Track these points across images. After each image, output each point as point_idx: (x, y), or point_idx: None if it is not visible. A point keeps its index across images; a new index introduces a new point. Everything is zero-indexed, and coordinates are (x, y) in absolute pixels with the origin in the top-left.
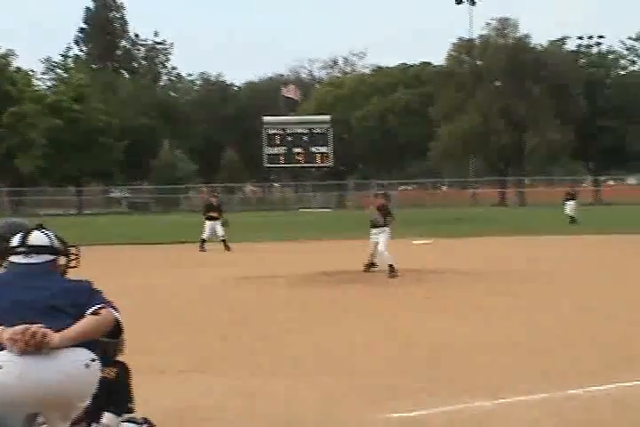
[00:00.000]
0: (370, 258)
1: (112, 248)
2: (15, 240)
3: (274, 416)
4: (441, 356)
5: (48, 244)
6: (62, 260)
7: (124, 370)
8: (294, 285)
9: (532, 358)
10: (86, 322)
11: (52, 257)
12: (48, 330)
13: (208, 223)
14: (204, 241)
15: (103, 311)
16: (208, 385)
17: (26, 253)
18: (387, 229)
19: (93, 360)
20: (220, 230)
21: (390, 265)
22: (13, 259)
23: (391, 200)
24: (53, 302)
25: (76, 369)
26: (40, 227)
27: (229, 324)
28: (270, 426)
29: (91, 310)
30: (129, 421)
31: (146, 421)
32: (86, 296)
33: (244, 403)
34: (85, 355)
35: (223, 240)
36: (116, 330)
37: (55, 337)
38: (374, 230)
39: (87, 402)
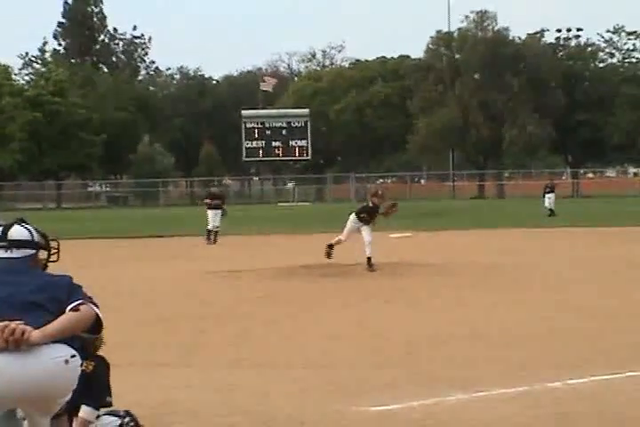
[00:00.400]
0: (335, 241)
1: (91, 242)
2: None
3: (252, 410)
4: (417, 349)
5: (29, 238)
6: (43, 254)
7: (102, 363)
8: (271, 278)
9: (509, 351)
10: (66, 318)
11: (32, 251)
12: (27, 327)
13: (211, 213)
14: (209, 232)
15: (83, 308)
16: (186, 379)
17: (6, 248)
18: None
19: (73, 356)
20: (217, 221)
21: (369, 258)
22: None
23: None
24: (33, 297)
25: (55, 365)
26: (20, 221)
27: (206, 318)
28: (248, 420)
29: (70, 306)
30: (110, 414)
31: (128, 413)
32: (66, 292)
33: (222, 397)
34: (65, 351)
35: (216, 232)
36: (96, 326)
37: (35, 334)
38: (356, 220)
39: (67, 398)
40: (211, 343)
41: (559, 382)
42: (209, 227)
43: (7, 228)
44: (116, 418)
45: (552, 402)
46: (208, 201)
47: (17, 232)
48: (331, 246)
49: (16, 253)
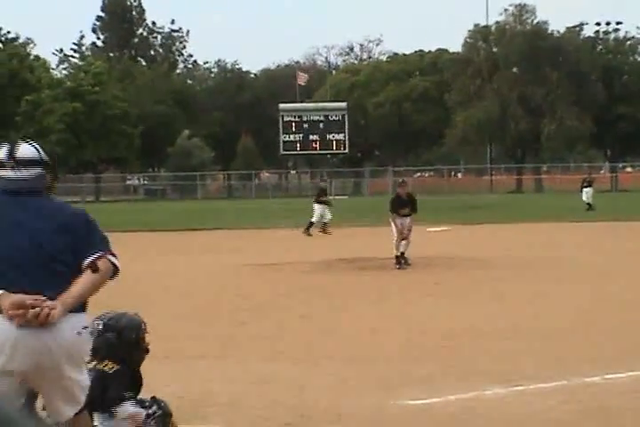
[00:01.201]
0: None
1: (129, 235)
2: (2, 153)
3: (289, 403)
4: (454, 342)
5: (37, 157)
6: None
7: (126, 374)
8: (309, 271)
9: (547, 344)
10: (85, 283)
11: (42, 171)
12: (51, 305)
13: (318, 207)
14: (311, 224)
15: (101, 265)
16: (223, 371)
17: (14, 167)
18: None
19: (85, 328)
20: (328, 214)
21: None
22: (1, 173)
23: (406, 187)
24: (51, 248)
25: (68, 337)
26: (27, 139)
27: (245, 310)
28: (285, 412)
29: (88, 261)
30: (135, 403)
31: (155, 401)
32: (85, 235)
33: (260, 389)
34: (78, 322)
35: (325, 223)
36: (113, 275)
37: (57, 312)
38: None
39: (78, 374)
40: (248, 336)
41: (597, 377)
42: (313, 219)
43: (14, 146)
44: (142, 409)
45: (589, 397)
46: (323, 199)
47: (25, 150)
48: (398, 257)
49: (25, 173)
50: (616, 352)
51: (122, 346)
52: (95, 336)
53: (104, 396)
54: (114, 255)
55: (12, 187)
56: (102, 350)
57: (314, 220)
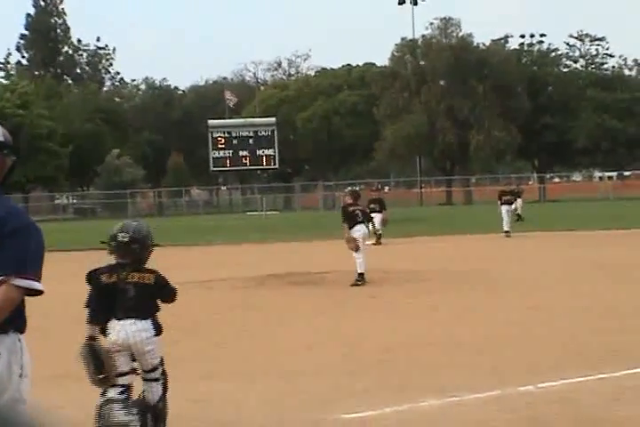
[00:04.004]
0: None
1: (59, 255)
2: None
3: (226, 420)
4: (389, 356)
5: None
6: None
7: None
8: (243, 287)
9: (481, 356)
10: None
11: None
12: None
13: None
14: (375, 233)
15: (0, 291)
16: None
17: None
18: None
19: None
20: (377, 224)
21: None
22: None
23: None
24: None
25: None
26: None
27: (178, 329)
28: None
29: None
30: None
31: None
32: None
33: (196, 408)
34: None
35: (380, 235)
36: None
37: None
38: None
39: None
40: (182, 354)
41: (531, 386)
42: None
43: None
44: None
45: (525, 406)
46: (372, 206)
47: None
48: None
49: None
50: (548, 361)
51: (143, 253)
52: (120, 247)
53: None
54: (29, 278)
55: None
56: (135, 259)
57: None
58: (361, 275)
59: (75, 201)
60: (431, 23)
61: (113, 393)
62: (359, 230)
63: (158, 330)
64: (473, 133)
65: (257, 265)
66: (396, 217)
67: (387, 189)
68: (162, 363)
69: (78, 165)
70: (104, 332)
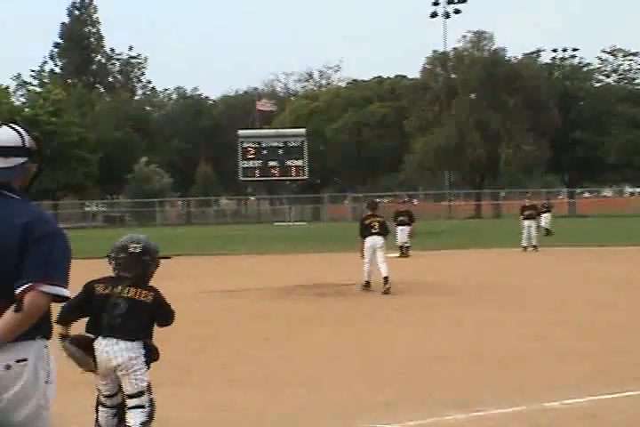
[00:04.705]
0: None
1: (88, 262)
2: None
3: None
4: (414, 368)
5: (19, 143)
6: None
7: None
8: (268, 298)
9: (506, 370)
10: (4, 324)
11: (22, 160)
12: None
13: (398, 228)
14: (401, 247)
15: (27, 299)
16: (181, 399)
17: None
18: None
19: (21, 360)
20: (405, 237)
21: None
22: None
23: (374, 209)
24: None
25: None
26: (9, 121)
27: (202, 338)
28: None
29: (16, 293)
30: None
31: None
32: (15, 256)
33: (218, 416)
34: (13, 353)
35: (407, 247)
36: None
37: None
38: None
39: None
40: (206, 363)
41: (556, 402)
42: (398, 243)
43: None
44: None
45: (549, 422)
46: (401, 218)
47: (5, 137)
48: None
49: (3, 163)
50: (573, 378)
51: (152, 267)
52: (131, 259)
53: (149, 325)
54: (56, 284)
55: None
56: (141, 272)
57: (399, 243)
58: (367, 282)
59: (104, 209)
60: (464, 36)
61: (103, 418)
62: (369, 242)
63: (151, 355)
64: (502, 147)
65: (283, 275)
66: (423, 230)
67: (415, 201)
68: (150, 390)
69: (108, 172)
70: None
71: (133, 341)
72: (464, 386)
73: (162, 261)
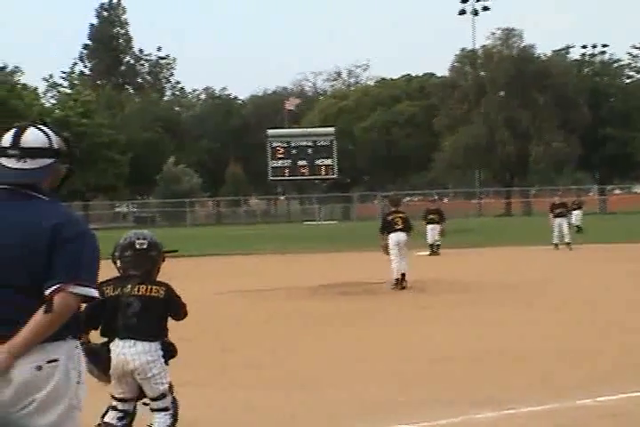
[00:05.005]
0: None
1: None
2: (6, 139)
3: None
4: (442, 368)
5: (46, 144)
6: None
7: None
8: (296, 297)
9: (536, 368)
10: (34, 325)
11: (50, 160)
12: None
13: (428, 227)
14: (431, 245)
15: (57, 300)
16: (210, 399)
17: (19, 157)
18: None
19: (52, 361)
20: (435, 235)
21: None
22: (3, 161)
23: (397, 205)
24: (10, 272)
25: (19, 375)
26: (37, 122)
27: (232, 337)
28: None
29: (46, 294)
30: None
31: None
32: (44, 256)
33: (247, 417)
34: (44, 354)
35: (437, 245)
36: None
37: (1, 364)
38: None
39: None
40: (235, 363)
41: (588, 400)
42: (429, 241)
43: (20, 132)
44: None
45: (580, 420)
46: (431, 217)
47: (32, 138)
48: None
49: (30, 164)
50: (605, 375)
51: (159, 262)
52: (138, 256)
53: (162, 322)
54: (85, 285)
55: (13, 179)
56: (149, 269)
57: (429, 241)
58: (397, 279)
59: (135, 209)
60: (493, 33)
61: (111, 418)
62: (393, 238)
63: (169, 354)
64: (532, 145)
65: (310, 275)
66: (453, 228)
67: (445, 199)
68: (171, 390)
69: (138, 173)
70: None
71: (152, 341)
72: (494, 384)
73: (171, 258)
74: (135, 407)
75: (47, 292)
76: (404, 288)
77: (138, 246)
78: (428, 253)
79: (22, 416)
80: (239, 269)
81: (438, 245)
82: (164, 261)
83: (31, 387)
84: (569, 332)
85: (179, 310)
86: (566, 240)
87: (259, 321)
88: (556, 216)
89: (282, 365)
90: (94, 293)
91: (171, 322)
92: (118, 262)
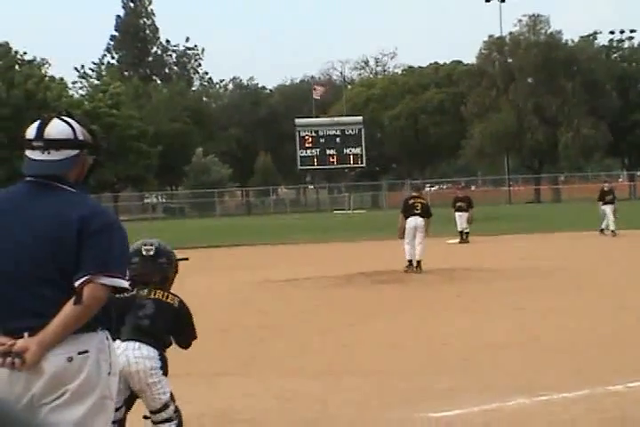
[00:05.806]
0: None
1: None
2: (31, 132)
3: (310, 418)
4: (475, 355)
5: (71, 136)
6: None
7: None
8: (329, 286)
9: (568, 355)
10: (64, 317)
11: (75, 152)
12: (20, 350)
13: (457, 215)
14: (461, 233)
15: (87, 292)
16: (244, 388)
17: (43, 149)
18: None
19: (83, 352)
20: (464, 222)
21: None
22: (28, 153)
23: (419, 191)
24: (36, 264)
25: (51, 366)
26: (62, 114)
27: (264, 327)
28: None
29: (76, 286)
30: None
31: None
32: (73, 249)
33: (281, 405)
34: (74, 346)
35: (467, 233)
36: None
37: (30, 356)
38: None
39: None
40: (268, 352)
41: (621, 386)
42: (458, 228)
43: (44, 124)
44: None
45: (614, 406)
46: (459, 204)
47: (56, 129)
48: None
49: (55, 156)
50: (636, 362)
51: (170, 270)
52: (145, 263)
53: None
54: (114, 276)
55: (37, 171)
56: (156, 277)
57: (459, 229)
58: (410, 262)
59: (164, 200)
60: (520, 20)
61: None
62: (411, 222)
63: (165, 368)
64: (561, 131)
65: (343, 263)
66: (483, 215)
67: (473, 187)
68: (172, 399)
69: (166, 164)
70: None
71: (156, 348)
72: (526, 372)
73: (210, 249)
74: (126, 413)
75: (76, 284)
76: (414, 272)
77: (144, 253)
78: (457, 240)
79: (54, 408)
80: (272, 258)
81: (467, 232)
82: (176, 272)
83: (63, 378)
84: (602, 319)
85: (187, 329)
86: (611, 228)
87: (293, 311)
88: (606, 203)
89: (315, 353)
90: (124, 283)
91: (203, 314)
92: (127, 271)
